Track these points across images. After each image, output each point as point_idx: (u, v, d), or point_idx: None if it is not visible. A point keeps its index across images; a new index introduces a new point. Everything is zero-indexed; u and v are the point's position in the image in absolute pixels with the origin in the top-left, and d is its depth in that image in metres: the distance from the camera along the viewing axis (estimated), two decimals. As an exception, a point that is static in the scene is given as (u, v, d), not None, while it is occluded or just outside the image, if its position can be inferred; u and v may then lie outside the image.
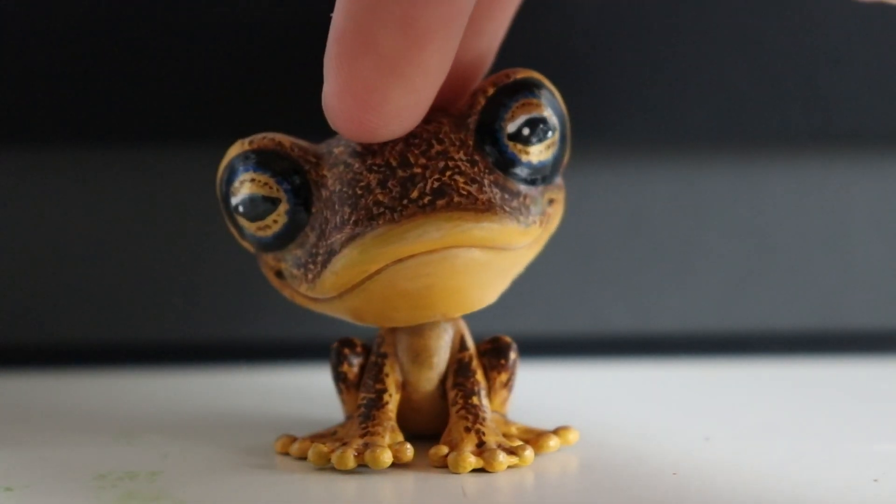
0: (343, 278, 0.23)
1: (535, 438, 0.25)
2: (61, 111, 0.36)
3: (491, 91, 0.24)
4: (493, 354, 0.25)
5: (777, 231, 0.38)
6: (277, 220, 0.24)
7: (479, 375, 0.25)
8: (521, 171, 0.24)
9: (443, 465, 0.24)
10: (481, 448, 0.24)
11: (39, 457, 0.25)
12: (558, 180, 0.25)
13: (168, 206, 0.37)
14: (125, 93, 0.36)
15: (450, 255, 0.23)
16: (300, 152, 0.24)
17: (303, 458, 0.24)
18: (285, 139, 0.24)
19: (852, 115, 0.37)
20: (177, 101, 0.36)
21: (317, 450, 0.24)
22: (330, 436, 0.25)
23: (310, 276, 0.24)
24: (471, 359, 0.25)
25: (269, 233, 0.24)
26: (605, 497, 0.22)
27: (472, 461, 0.23)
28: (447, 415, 0.25)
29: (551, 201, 0.25)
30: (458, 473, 0.23)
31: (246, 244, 0.25)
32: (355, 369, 0.25)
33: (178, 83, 0.36)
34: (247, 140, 0.24)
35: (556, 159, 0.24)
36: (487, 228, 0.22)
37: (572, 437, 0.25)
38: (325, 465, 0.24)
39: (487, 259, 0.23)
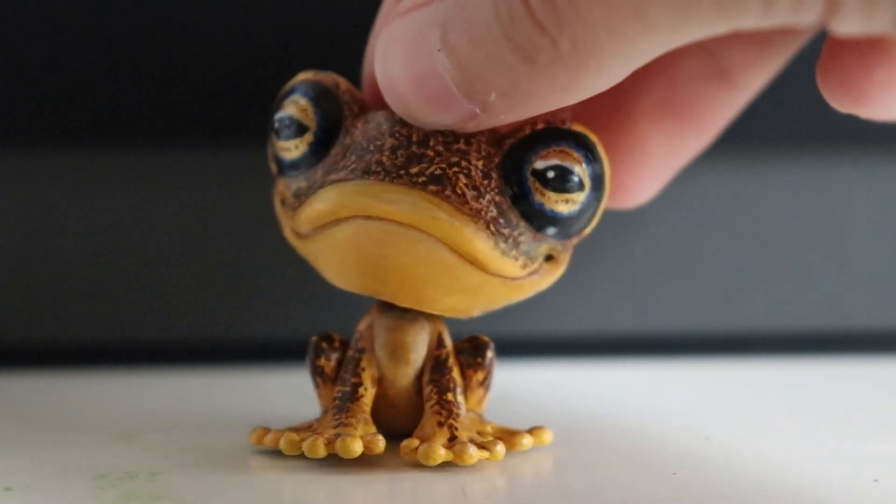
0: (316, 213, 0.24)
1: (507, 437, 0.25)
2: (61, 112, 0.36)
3: (540, 126, 0.24)
4: (470, 353, 0.25)
5: (777, 231, 0.38)
6: (299, 146, 0.24)
7: (455, 373, 0.25)
8: (530, 209, 0.24)
9: (414, 458, 0.24)
10: (453, 442, 0.24)
11: (39, 457, 0.25)
12: (568, 242, 0.25)
13: (169, 207, 0.37)
14: (125, 93, 0.36)
15: (415, 237, 0.23)
16: (349, 98, 0.25)
17: (277, 448, 0.24)
18: (343, 82, 0.25)
19: (852, 115, 0.37)
20: (177, 102, 0.36)
21: (288, 438, 0.24)
22: (306, 429, 0.25)
23: (297, 205, 0.24)
24: (447, 356, 0.25)
25: (288, 156, 0.25)
26: (606, 497, 0.22)
27: (441, 453, 0.23)
28: (422, 411, 0.25)
29: (550, 257, 0.25)
30: (428, 465, 0.23)
31: (272, 166, 0.25)
32: (332, 363, 0.25)
33: (179, 84, 0.36)
34: (315, 71, 0.25)
35: (572, 219, 0.24)
36: (458, 228, 0.23)
37: (546, 436, 0.25)
38: (297, 454, 0.24)
39: (451, 262, 0.23)
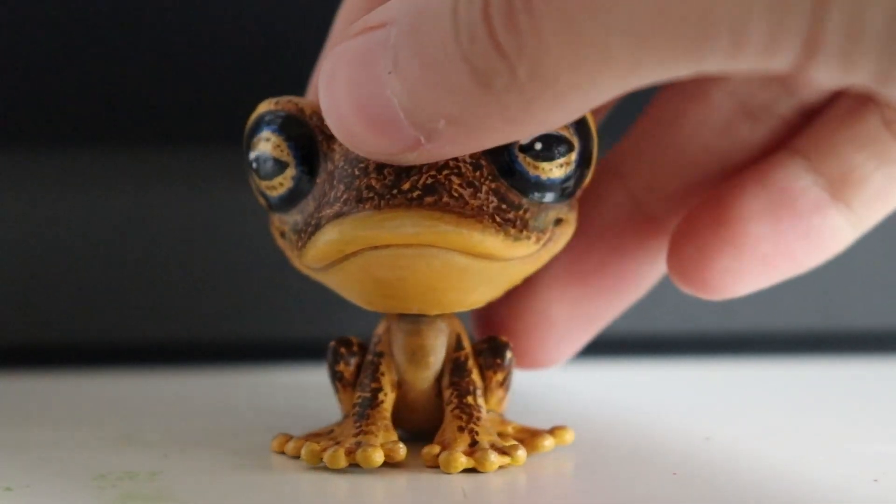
0: (322, 253, 0.23)
1: (529, 438, 0.25)
2: (61, 112, 0.36)
3: None
4: (489, 354, 0.25)
5: (777, 231, 0.38)
6: (283, 183, 0.24)
7: (475, 375, 0.25)
8: (528, 185, 0.23)
9: (435, 465, 0.24)
10: (474, 448, 0.24)
11: (39, 457, 0.25)
12: (571, 200, 0.25)
13: (169, 207, 0.37)
14: (124, 94, 0.36)
15: (427, 253, 0.23)
16: (318, 121, 0.24)
17: (297, 456, 0.24)
18: (308, 106, 0.24)
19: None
20: (176, 102, 0.36)
21: (309, 448, 0.24)
22: (326, 434, 0.25)
23: (300, 243, 0.24)
24: (466, 358, 0.25)
25: (274, 194, 0.24)
26: (606, 497, 0.22)
27: (463, 461, 0.23)
28: (443, 414, 0.25)
29: (559, 221, 0.24)
30: (450, 473, 0.23)
31: (261, 200, 0.25)
32: (352, 368, 0.25)
33: (178, 84, 0.36)
34: (274, 100, 0.24)
35: (571, 179, 0.24)
36: (466, 235, 0.22)
37: (568, 436, 0.25)
38: (319, 464, 0.24)
39: (468, 265, 0.23)
